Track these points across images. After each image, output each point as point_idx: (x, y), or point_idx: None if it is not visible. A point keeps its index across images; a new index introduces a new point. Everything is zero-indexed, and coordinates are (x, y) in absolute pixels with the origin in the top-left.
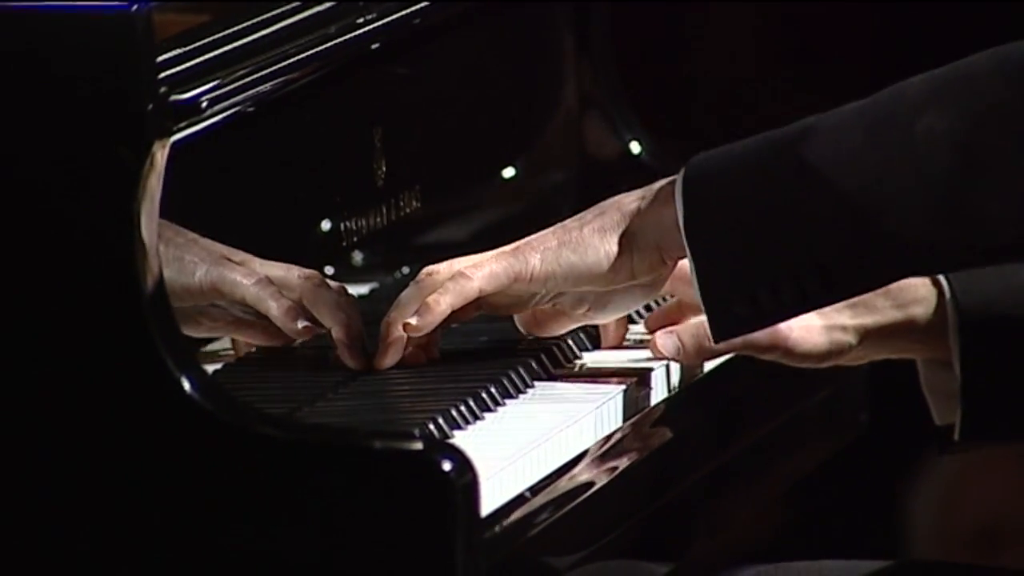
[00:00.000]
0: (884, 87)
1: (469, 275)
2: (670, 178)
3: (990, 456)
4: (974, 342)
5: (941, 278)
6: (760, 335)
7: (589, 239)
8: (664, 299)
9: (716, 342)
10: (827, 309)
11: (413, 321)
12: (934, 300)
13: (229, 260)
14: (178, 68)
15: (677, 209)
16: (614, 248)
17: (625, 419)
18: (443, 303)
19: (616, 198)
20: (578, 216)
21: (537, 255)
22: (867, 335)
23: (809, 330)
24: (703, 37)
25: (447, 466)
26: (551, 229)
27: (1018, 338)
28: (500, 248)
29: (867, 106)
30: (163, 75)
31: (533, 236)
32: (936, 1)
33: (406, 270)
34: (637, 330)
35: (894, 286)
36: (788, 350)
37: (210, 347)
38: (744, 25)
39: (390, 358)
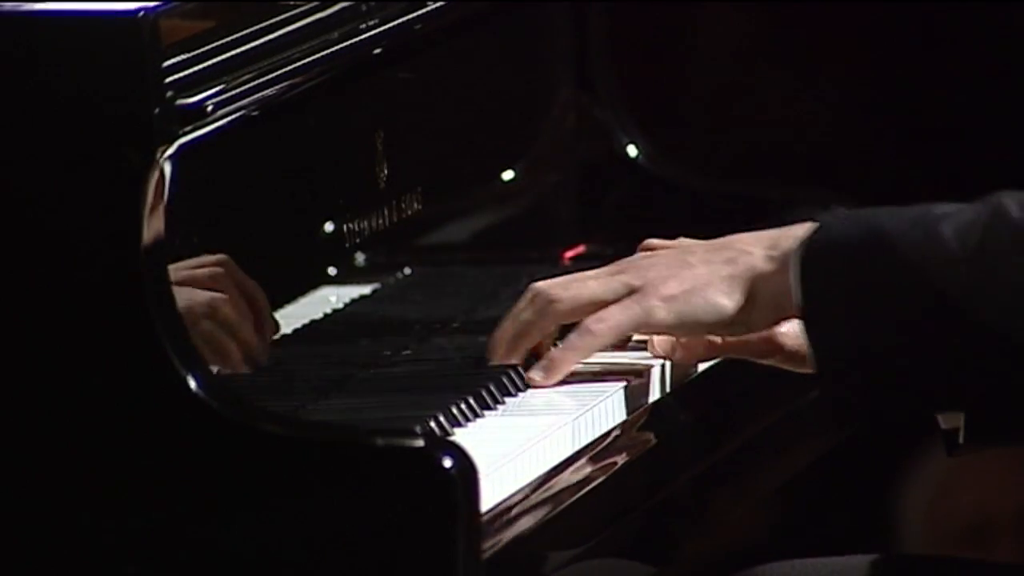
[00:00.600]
0: (881, 90)
1: (595, 331)
2: (796, 238)
3: (979, 455)
4: None
5: None
6: (756, 338)
7: (715, 290)
8: None
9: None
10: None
11: (538, 377)
12: None
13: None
14: (184, 72)
15: (793, 287)
16: (738, 302)
17: (621, 418)
18: (568, 362)
19: (744, 244)
20: (703, 254)
21: (663, 306)
22: None
23: (786, 231)
24: (699, 43)
25: (448, 463)
26: (673, 261)
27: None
28: (620, 274)
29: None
30: (169, 79)
31: (653, 265)
32: (932, 2)
33: (408, 271)
34: None
35: None
36: (787, 355)
37: None
38: (739, 30)
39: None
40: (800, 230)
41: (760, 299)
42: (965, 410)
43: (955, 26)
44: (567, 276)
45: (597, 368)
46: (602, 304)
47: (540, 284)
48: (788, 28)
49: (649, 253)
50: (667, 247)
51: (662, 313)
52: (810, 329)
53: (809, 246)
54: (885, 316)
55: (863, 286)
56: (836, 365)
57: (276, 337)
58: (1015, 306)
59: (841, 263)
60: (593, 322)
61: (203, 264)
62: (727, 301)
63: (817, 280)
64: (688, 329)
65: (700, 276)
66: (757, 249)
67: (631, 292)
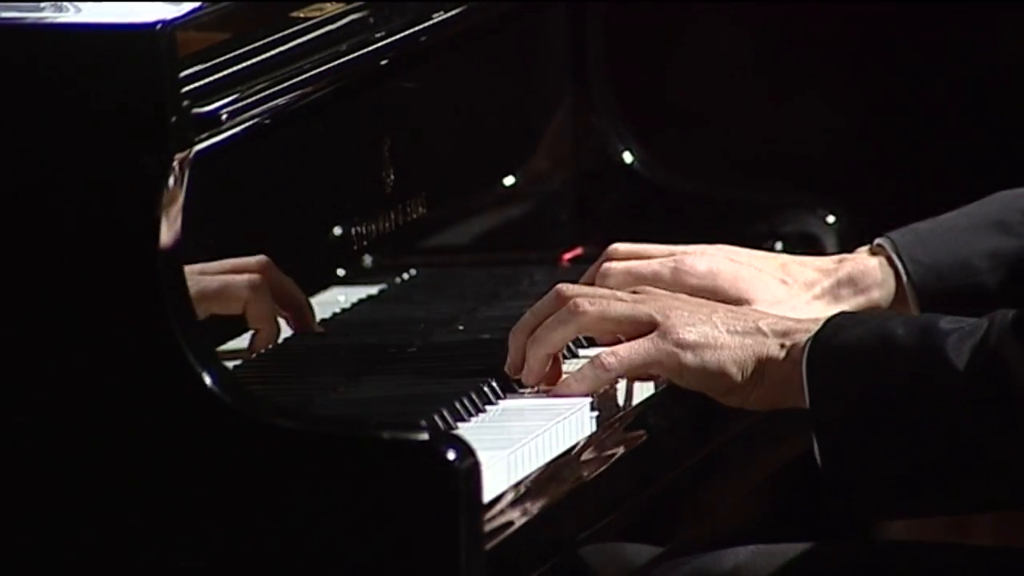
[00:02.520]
0: (865, 98)
1: (607, 366)
2: (808, 332)
3: None
4: (930, 306)
5: (895, 259)
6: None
7: (729, 357)
8: None
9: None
10: (796, 306)
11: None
12: (892, 280)
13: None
14: (199, 83)
15: (804, 384)
16: (744, 377)
17: (617, 412)
18: (579, 391)
19: (761, 323)
20: (724, 317)
21: (677, 352)
22: None
23: (800, 322)
24: (689, 56)
25: (451, 455)
26: (697, 312)
27: (970, 307)
28: (645, 304)
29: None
30: (185, 89)
31: (678, 308)
32: (918, 9)
33: (413, 272)
34: None
35: (855, 272)
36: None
37: (228, 345)
38: (727, 43)
39: (534, 376)
40: (813, 324)
41: (765, 382)
42: (964, 513)
43: (937, 35)
44: (594, 290)
45: None
46: (622, 327)
47: (568, 289)
48: (774, 41)
49: (671, 251)
50: (633, 254)
51: (674, 360)
52: (817, 425)
53: (817, 345)
54: (889, 422)
55: (868, 393)
56: (840, 458)
57: (288, 335)
58: (1014, 432)
59: (847, 367)
60: (607, 355)
61: (245, 267)
62: (736, 371)
63: (823, 380)
64: (688, 381)
65: (719, 338)
66: (772, 335)
67: (651, 324)
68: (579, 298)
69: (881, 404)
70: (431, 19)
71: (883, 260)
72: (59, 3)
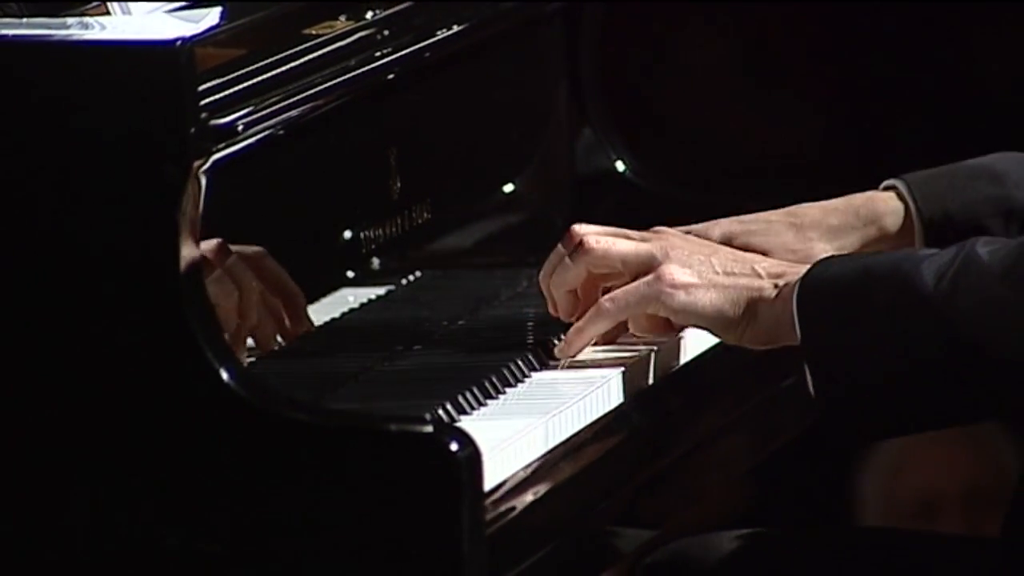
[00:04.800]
0: (844, 109)
1: (605, 310)
2: (798, 274)
3: (929, 439)
4: (936, 245)
5: (905, 193)
6: None
7: (723, 295)
8: None
9: (830, 440)
10: (808, 239)
11: (560, 354)
12: (902, 211)
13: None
14: (217, 96)
15: (795, 319)
16: (738, 314)
17: (611, 405)
18: (585, 338)
19: (762, 264)
20: (724, 259)
21: (672, 292)
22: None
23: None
24: (678, 72)
25: (454, 446)
26: (698, 252)
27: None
28: (649, 242)
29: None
30: (204, 102)
31: (681, 247)
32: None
33: (418, 274)
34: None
35: (862, 203)
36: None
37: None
38: (713, 60)
39: (566, 314)
40: (804, 267)
41: (758, 320)
42: (949, 426)
43: (916, 43)
44: (605, 229)
45: (587, 362)
46: (625, 263)
47: (580, 229)
48: (757, 56)
49: (683, 232)
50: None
51: (669, 299)
52: (808, 355)
53: (806, 282)
54: (871, 343)
55: (852, 318)
56: (831, 386)
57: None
58: (983, 332)
59: (832, 297)
60: (605, 300)
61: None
62: (729, 308)
63: (812, 312)
64: (685, 319)
65: (715, 278)
66: (766, 277)
67: (651, 263)
68: (587, 236)
69: (864, 327)
70: (435, 36)
71: (894, 195)
72: (86, 20)
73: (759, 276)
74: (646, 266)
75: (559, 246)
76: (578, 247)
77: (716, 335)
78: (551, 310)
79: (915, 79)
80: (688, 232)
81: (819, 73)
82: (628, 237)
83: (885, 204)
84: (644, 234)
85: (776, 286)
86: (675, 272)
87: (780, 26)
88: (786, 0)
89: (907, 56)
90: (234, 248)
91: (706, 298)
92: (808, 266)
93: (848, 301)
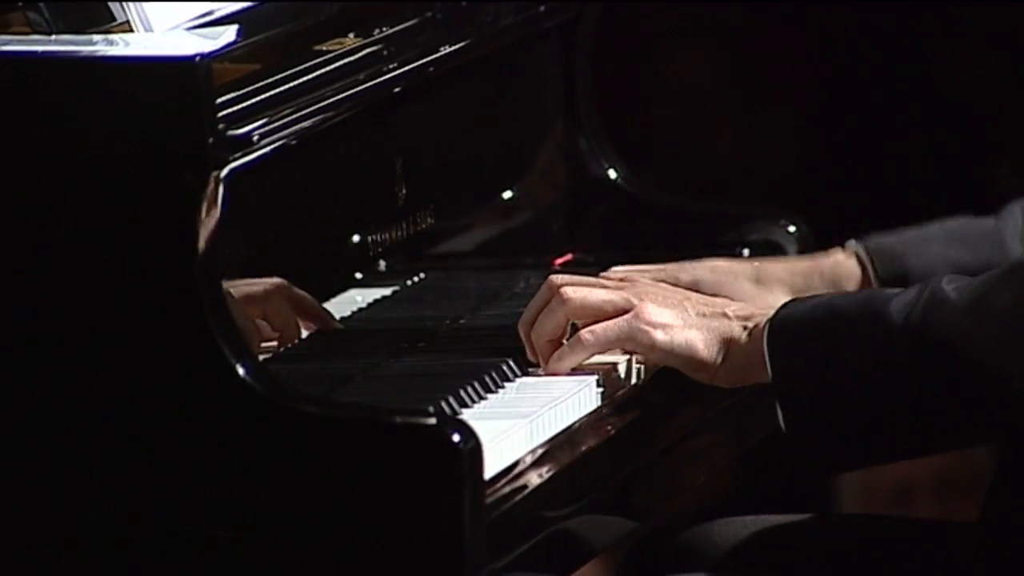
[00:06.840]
0: (824, 123)
1: (585, 342)
2: (766, 317)
3: None
4: None
5: (863, 255)
6: None
7: (697, 336)
8: None
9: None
10: (772, 292)
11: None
12: (859, 273)
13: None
14: (234, 108)
15: (765, 357)
16: (710, 355)
17: (603, 400)
18: (564, 366)
19: (728, 310)
20: (697, 304)
21: (649, 330)
22: None
23: (762, 309)
24: (666, 86)
25: (456, 438)
26: (671, 298)
27: None
28: (624, 290)
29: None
30: (221, 114)
31: (655, 293)
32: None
33: (422, 275)
34: None
35: (826, 267)
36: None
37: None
38: (699, 76)
39: (545, 360)
40: (771, 310)
41: (730, 360)
42: (921, 456)
43: (912, 63)
44: (581, 279)
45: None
46: (603, 311)
47: (558, 279)
48: (746, 71)
49: (654, 278)
50: (627, 277)
51: (646, 336)
52: (779, 392)
53: (775, 321)
54: (841, 379)
55: (822, 354)
56: (802, 422)
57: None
58: (953, 366)
59: (802, 335)
60: (586, 332)
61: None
62: (703, 348)
63: (782, 349)
64: (660, 357)
65: (689, 320)
66: (736, 320)
67: (628, 308)
68: (564, 287)
69: (834, 363)
70: (439, 52)
71: (853, 258)
72: (111, 37)
73: (729, 318)
74: (623, 312)
75: (537, 297)
76: (556, 298)
77: (689, 374)
78: (530, 356)
79: (903, 93)
80: (660, 278)
81: (808, 86)
82: (603, 286)
83: (845, 267)
84: (618, 283)
85: (745, 327)
86: (653, 312)
87: (769, 41)
88: (777, 15)
89: (895, 70)
90: (258, 281)
91: (682, 337)
92: (774, 308)
93: (817, 338)
